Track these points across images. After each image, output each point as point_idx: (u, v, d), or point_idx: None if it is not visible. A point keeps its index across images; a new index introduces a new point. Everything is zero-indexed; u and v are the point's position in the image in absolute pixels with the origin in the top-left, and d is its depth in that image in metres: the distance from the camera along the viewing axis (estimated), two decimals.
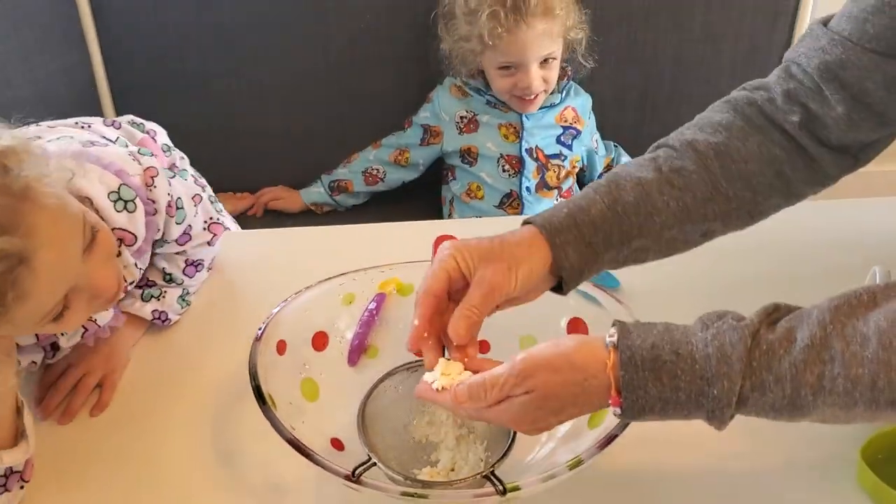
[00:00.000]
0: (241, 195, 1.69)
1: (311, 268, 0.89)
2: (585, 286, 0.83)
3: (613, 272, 1.00)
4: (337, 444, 0.79)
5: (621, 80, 1.62)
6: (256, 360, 0.76)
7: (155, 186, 0.90)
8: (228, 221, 1.21)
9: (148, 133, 1.06)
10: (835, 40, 0.81)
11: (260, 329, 0.79)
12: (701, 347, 0.64)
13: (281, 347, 0.81)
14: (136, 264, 0.91)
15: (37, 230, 0.69)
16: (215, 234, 1.01)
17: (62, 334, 0.88)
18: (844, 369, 0.61)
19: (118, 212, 0.86)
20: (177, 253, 0.99)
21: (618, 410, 0.65)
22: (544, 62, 1.48)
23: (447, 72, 1.58)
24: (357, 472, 0.68)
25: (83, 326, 0.90)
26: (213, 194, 1.06)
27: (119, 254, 0.87)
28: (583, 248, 0.76)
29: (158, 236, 0.94)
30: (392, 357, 0.85)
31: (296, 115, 1.66)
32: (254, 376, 0.75)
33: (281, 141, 1.67)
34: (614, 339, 0.65)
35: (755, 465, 0.83)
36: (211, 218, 1.01)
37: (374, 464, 0.71)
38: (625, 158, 1.66)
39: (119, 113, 1.58)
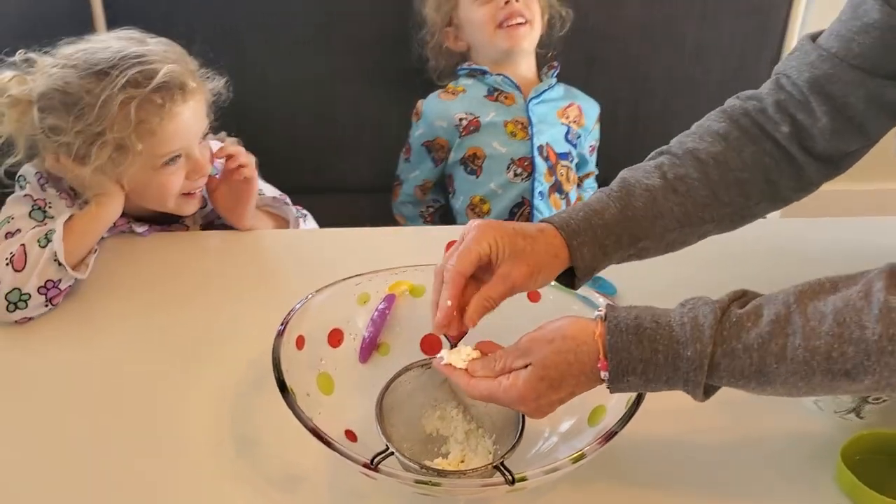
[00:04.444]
0: None
1: (329, 268, 0.93)
2: (588, 293, 0.89)
3: (611, 280, 1.06)
4: (351, 436, 0.83)
5: (614, 94, 1.68)
6: (280, 353, 0.80)
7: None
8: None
9: None
10: (823, 56, 0.88)
11: (282, 325, 0.84)
12: (677, 318, 0.72)
13: (300, 342, 0.85)
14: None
15: (193, 94, 1.13)
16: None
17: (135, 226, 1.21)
18: (804, 341, 0.68)
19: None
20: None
21: (606, 374, 0.72)
22: None
23: (435, 78, 1.60)
24: (375, 460, 0.73)
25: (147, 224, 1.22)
26: None
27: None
28: (596, 250, 0.83)
29: None
30: (402, 355, 0.89)
31: (298, 116, 1.69)
32: (277, 368, 0.79)
33: (282, 141, 1.69)
34: (602, 313, 0.73)
35: (739, 463, 0.87)
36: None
37: (391, 453, 0.75)
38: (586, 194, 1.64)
39: None
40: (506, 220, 1.48)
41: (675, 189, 0.87)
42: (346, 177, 1.75)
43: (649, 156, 0.92)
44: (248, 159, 1.22)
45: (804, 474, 0.86)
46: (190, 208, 1.22)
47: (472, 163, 1.53)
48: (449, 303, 0.78)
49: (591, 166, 1.65)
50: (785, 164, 0.91)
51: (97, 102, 1.06)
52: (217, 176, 1.24)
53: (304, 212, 1.36)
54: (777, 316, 0.70)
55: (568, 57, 1.63)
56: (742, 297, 0.74)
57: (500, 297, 0.79)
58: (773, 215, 1.91)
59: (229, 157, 1.21)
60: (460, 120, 1.53)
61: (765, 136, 0.91)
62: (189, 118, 1.13)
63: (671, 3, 1.66)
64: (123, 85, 1.06)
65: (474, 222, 0.82)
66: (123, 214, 1.18)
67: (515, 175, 1.51)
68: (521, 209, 1.52)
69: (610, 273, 1.00)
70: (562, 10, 1.57)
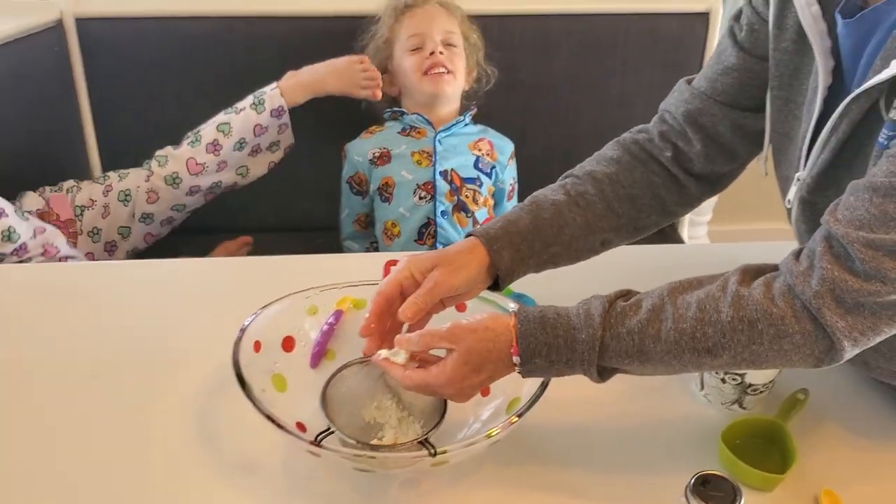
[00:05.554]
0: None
1: (283, 289, 1.04)
2: (508, 304, 1.02)
3: (530, 294, 1.20)
4: (301, 427, 0.94)
5: (547, 140, 1.84)
6: (238, 356, 0.93)
7: None
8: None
9: None
10: (695, 94, 1.06)
11: (241, 330, 0.96)
12: (574, 311, 0.87)
13: (257, 347, 0.97)
14: None
15: None
16: None
17: None
18: (674, 324, 0.83)
19: None
20: None
21: (517, 359, 0.86)
22: (448, 46, 1.68)
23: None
24: (319, 437, 0.86)
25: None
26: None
27: None
28: (513, 253, 0.98)
29: None
30: (347, 360, 1.00)
31: None
32: (236, 365, 0.91)
33: (248, 188, 1.83)
34: (515, 308, 0.88)
35: (636, 445, 1.01)
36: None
37: (333, 432, 0.88)
38: None
39: (106, 160, 1.80)
40: (415, 240, 1.68)
41: (577, 203, 1.03)
42: (304, 217, 1.88)
43: (559, 178, 1.08)
44: None
45: (691, 455, 0.98)
46: None
47: (385, 191, 1.69)
48: (366, 315, 0.93)
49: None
50: (670, 183, 1.08)
51: None
52: None
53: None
54: (653, 306, 0.85)
55: (505, 107, 1.80)
56: (627, 294, 0.89)
57: (427, 293, 0.92)
58: (702, 240, 2.10)
59: None
60: (374, 154, 1.70)
61: (651, 159, 1.08)
62: None
63: (596, 57, 1.84)
64: None
65: (403, 258, 0.96)
66: None
67: (420, 198, 1.67)
68: (427, 229, 1.67)
69: (533, 292, 1.15)
70: (488, 69, 1.77)
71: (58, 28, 1.71)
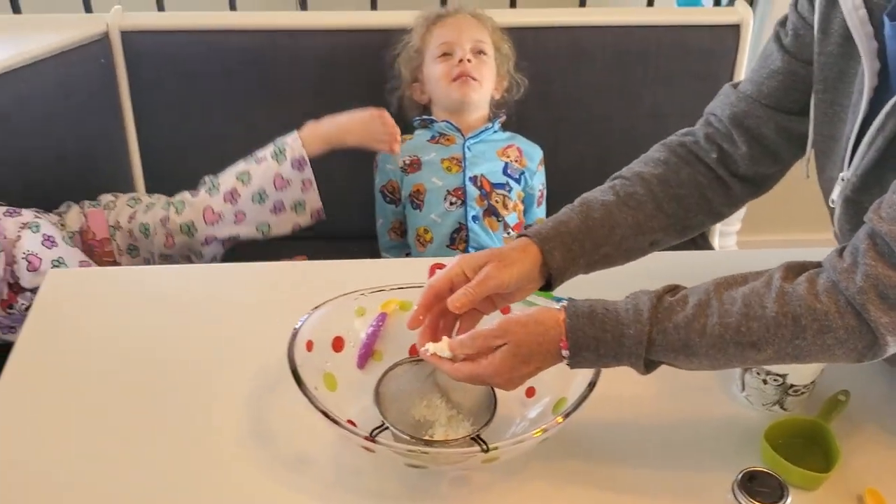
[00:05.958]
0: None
1: (329, 293, 1.07)
2: (554, 306, 1.03)
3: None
4: (352, 424, 0.96)
5: (579, 151, 1.86)
6: (294, 353, 0.96)
7: None
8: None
9: None
10: (740, 97, 1.08)
11: (295, 330, 0.99)
12: (623, 305, 0.89)
13: (309, 346, 1.00)
14: None
15: None
16: None
17: None
18: (720, 319, 0.85)
19: None
20: None
21: (566, 352, 0.88)
22: (477, 53, 1.71)
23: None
24: (373, 432, 0.89)
25: None
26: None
27: None
28: (565, 252, 1.00)
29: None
30: (394, 360, 1.04)
31: None
32: (291, 362, 0.94)
33: None
34: (564, 303, 0.90)
35: (680, 444, 1.03)
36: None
37: (386, 428, 0.91)
38: None
39: (148, 171, 1.83)
40: (447, 245, 1.70)
41: (626, 203, 1.05)
42: (339, 224, 1.90)
43: (608, 179, 1.10)
44: None
45: (734, 454, 1.00)
46: None
47: (417, 198, 1.72)
48: (415, 307, 0.96)
49: (542, 214, 1.82)
50: (716, 184, 1.10)
51: None
52: None
53: None
54: (699, 301, 0.87)
55: (538, 117, 1.82)
56: (674, 289, 0.91)
57: (477, 285, 0.94)
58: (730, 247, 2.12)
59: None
60: (404, 162, 1.73)
61: (698, 160, 1.10)
62: None
63: (628, 69, 1.86)
64: None
65: (457, 256, 0.98)
66: None
67: (451, 204, 1.69)
68: (459, 234, 1.70)
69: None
70: (518, 78, 1.80)
71: (104, 41, 1.75)
